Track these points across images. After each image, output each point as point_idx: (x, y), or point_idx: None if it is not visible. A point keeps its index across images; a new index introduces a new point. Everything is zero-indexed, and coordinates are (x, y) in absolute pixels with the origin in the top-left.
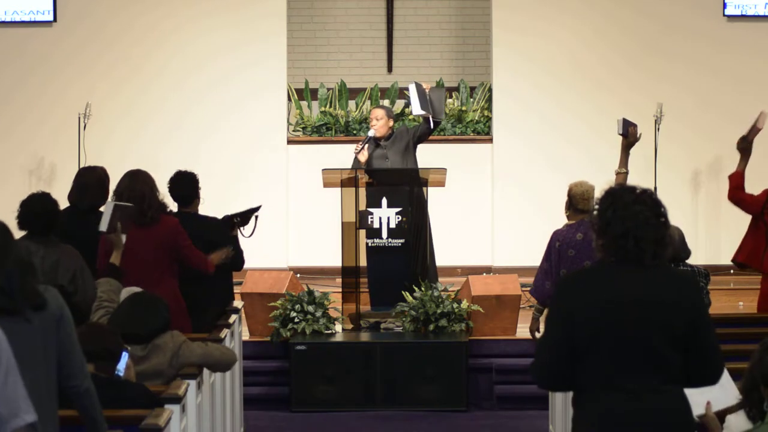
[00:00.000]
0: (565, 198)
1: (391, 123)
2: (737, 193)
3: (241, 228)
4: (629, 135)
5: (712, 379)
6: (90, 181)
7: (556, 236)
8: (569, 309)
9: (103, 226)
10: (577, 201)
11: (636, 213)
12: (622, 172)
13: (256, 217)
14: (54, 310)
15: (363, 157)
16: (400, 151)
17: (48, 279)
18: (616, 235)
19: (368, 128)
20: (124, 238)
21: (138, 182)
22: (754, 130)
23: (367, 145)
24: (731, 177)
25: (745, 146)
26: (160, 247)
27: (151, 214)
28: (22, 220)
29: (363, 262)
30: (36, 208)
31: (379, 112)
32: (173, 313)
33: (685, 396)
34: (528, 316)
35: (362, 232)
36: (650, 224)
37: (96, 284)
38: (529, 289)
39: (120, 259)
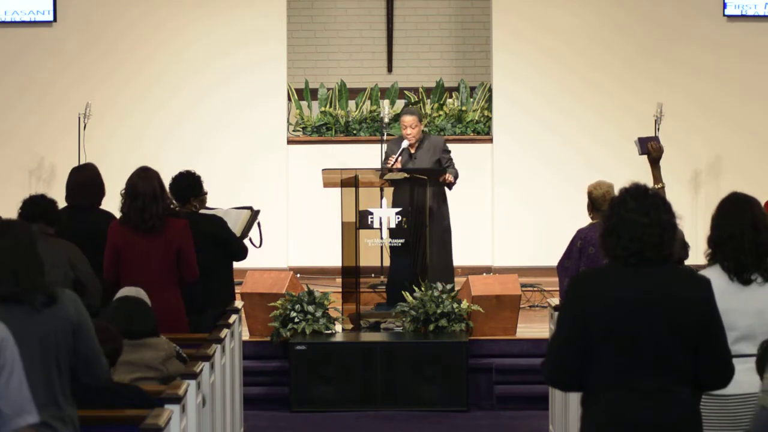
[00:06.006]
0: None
1: (422, 125)
2: None
3: (251, 239)
4: (651, 151)
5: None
6: (86, 179)
7: (579, 235)
8: (580, 307)
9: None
10: (599, 203)
11: (645, 211)
12: (659, 187)
13: (258, 223)
14: (71, 314)
15: (397, 166)
16: (428, 161)
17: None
18: (624, 235)
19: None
20: None
21: (149, 180)
22: None
23: (400, 157)
24: None
25: None
26: (169, 252)
27: (159, 218)
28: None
29: (363, 262)
30: (43, 205)
31: (411, 120)
32: (172, 320)
33: (694, 397)
34: (528, 315)
35: (362, 233)
36: (660, 223)
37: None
38: (529, 289)
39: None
